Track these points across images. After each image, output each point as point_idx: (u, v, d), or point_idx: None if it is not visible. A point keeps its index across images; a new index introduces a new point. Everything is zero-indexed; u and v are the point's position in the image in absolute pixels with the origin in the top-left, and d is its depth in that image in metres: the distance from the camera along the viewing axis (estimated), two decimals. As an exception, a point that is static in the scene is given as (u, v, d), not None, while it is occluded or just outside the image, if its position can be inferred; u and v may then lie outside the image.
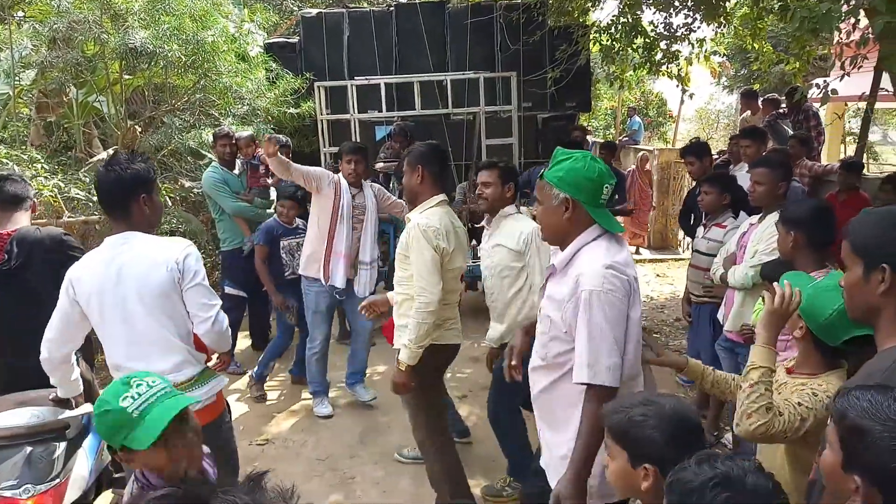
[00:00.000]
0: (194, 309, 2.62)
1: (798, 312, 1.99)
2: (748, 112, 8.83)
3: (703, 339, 4.48)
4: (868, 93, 5.92)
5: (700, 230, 4.57)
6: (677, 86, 8.94)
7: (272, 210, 5.71)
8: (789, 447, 1.98)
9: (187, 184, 7.92)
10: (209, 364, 2.83)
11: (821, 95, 4.36)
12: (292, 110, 7.60)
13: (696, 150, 5.08)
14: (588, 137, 10.06)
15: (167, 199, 6.09)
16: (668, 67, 8.56)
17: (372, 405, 5.01)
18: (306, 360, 4.98)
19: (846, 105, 11.06)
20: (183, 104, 7.61)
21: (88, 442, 2.97)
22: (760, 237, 3.67)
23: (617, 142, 11.88)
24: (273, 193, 6.00)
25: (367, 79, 6.76)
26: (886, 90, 5.74)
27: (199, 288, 2.62)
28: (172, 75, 7.35)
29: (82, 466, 2.88)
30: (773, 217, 3.66)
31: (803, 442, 1.90)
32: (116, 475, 3.37)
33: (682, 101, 9.84)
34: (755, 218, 3.85)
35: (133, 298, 2.53)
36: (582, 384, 2.12)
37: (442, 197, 3.40)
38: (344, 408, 5.06)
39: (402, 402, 3.66)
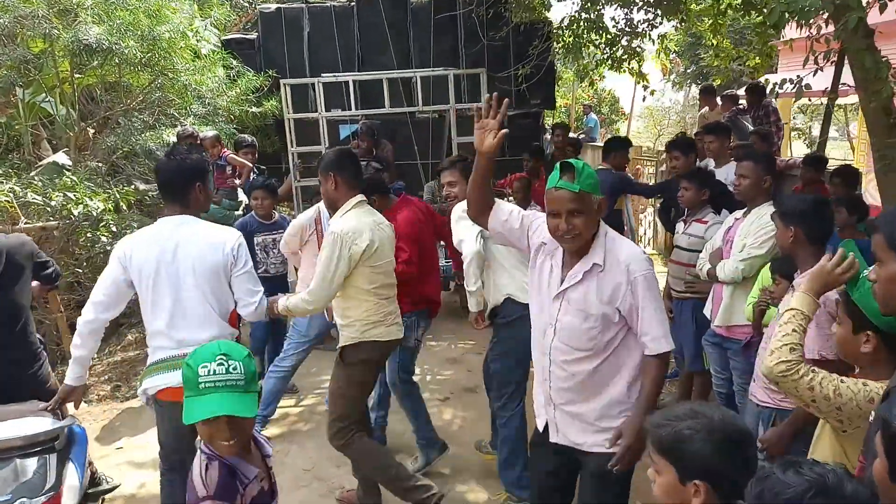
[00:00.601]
0: (241, 293, 2.98)
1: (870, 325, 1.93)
2: (706, 108, 8.95)
3: (685, 335, 4.49)
4: (830, 88, 6.05)
5: (680, 226, 4.57)
6: (639, 83, 9.00)
7: (240, 212, 5.54)
8: (838, 446, 1.94)
9: (142, 186, 7.63)
10: None
11: (794, 90, 4.41)
12: (254, 109, 7.39)
13: (683, 145, 5.07)
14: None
15: (121, 203, 5.81)
16: (629, 64, 8.63)
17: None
18: (268, 374, 4.69)
19: (793, 101, 11.36)
20: (139, 104, 7.33)
21: (75, 452, 3.02)
22: (748, 231, 3.68)
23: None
24: (241, 195, 5.83)
25: (334, 76, 6.61)
26: (847, 85, 5.85)
27: (248, 275, 2.99)
28: (127, 73, 7.07)
29: (73, 477, 2.94)
30: (759, 211, 3.70)
31: (850, 440, 1.87)
32: (90, 490, 3.53)
33: (643, 98, 9.88)
34: (740, 213, 3.86)
35: (187, 273, 2.83)
36: (657, 355, 2.40)
37: (358, 198, 3.40)
38: (324, 415, 4.92)
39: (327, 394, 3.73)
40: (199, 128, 6.45)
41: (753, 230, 3.65)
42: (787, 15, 3.88)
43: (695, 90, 26.08)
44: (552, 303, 2.49)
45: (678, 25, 8.29)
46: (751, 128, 7.53)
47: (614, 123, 21.96)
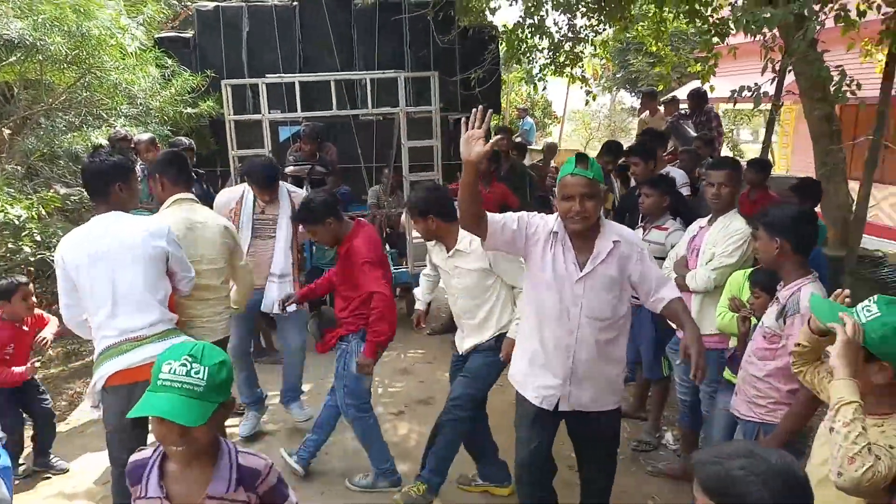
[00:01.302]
0: (180, 270, 3.18)
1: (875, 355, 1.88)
2: (647, 113, 9.04)
3: (645, 341, 4.47)
4: (773, 96, 6.19)
5: (639, 232, 4.54)
6: (581, 87, 9.06)
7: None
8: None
9: (62, 190, 7.15)
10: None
11: (753, 97, 4.47)
12: (189, 110, 7.03)
13: (642, 151, 5.03)
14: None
15: (40, 209, 5.36)
16: (572, 69, 8.68)
17: (305, 427, 4.61)
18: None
19: (717, 107, 11.70)
20: (62, 103, 6.86)
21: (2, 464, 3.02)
22: (716, 239, 3.66)
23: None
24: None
25: (280, 77, 6.33)
26: (793, 92, 6.01)
27: (182, 256, 3.20)
28: (49, 71, 6.60)
29: (2, 489, 2.93)
30: (726, 219, 3.69)
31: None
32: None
33: (586, 103, 9.97)
34: (704, 221, 3.85)
35: (124, 263, 2.92)
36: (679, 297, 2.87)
37: (178, 196, 3.53)
38: (273, 433, 4.69)
39: None
40: (130, 130, 6.07)
41: (722, 238, 3.63)
42: (749, 24, 3.93)
43: (623, 94, 26.77)
44: (575, 284, 2.72)
45: (620, 32, 8.36)
46: (692, 133, 7.65)
47: (547, 127, 22.19)
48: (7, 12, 5.67)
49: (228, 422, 4.45)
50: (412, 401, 5.22)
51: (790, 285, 2.64)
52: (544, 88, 8.84)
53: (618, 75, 21.87)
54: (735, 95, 4.53)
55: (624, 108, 28.60)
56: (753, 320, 3.15)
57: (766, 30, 4.55)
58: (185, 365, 1.73)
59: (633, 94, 24.86)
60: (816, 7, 4.00)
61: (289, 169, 6.58)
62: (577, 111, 28.81)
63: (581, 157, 2.67)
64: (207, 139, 7.62)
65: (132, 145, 5.42)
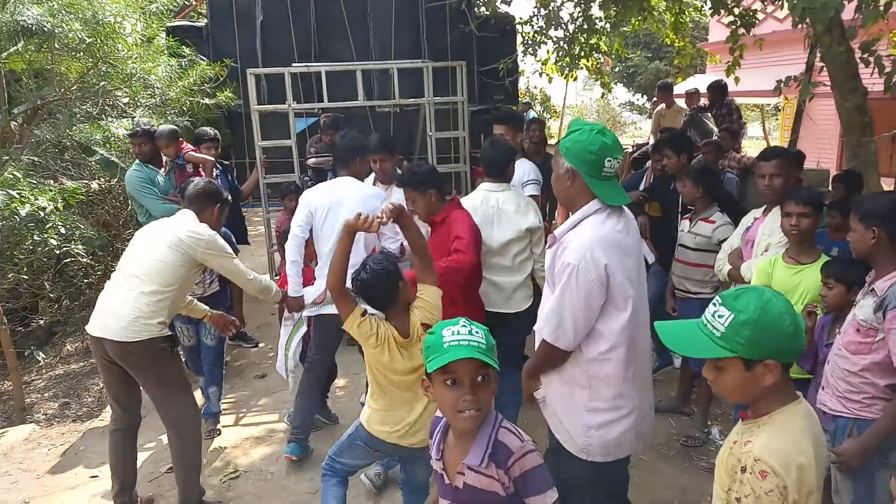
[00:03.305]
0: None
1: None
2: (663, 105, 8.96)
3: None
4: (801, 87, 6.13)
5: (685, 224, 4.48)
6: (595, 79, 8.98)
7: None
8: None
9: (68, 183, 6.98)
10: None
11: (799, 87, 4.42)
12: (207, 100, 6.88)
13: (675, 143, 4.94)
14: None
15: (49, 204, 5.14)
16: (587, 61, 8.61)
17: (340, 425, 4.51)
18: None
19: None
20: (74, 92, 6.68)
21: None
22: (771, 230, 3.60)
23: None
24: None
25: (306, 65, 6.20)
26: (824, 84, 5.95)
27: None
28: (61, 60, 6.43)
29: None
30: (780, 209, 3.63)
31: None
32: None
33: (602, 95, 9.88)
34: (759, 212, 3.80)
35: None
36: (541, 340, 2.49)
37: None
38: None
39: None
40: (153, 121, 5.91)
41: (776, 229, 3.57)
42: (805, 10, 3.88)
43: (618, 89, 26.76)
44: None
45: (638, 24, 8.28)
46: (712, 126, 7.60)
47: (547, 121, 22.11)
48: (22, -1, 5.50)
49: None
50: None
51: (887, 276, 2.56)
52: (550, 80, 8.73)
53: (616, 69, 21.85)
54: (782, 84, 4.47)
55: (621, 104, 28.64)
56: (819, 313, 3.09)
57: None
58: (465, 326, 1.80)
59: (630, 89, 24.90)
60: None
61: (311, 161, 6.47)
62: (573, 105, 28.84)
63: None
64: (223, 130, 7.47)
65: (152, 138, 5.26)
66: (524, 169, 4.72)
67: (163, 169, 5.37)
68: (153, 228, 3.50)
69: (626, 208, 2.53)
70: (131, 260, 3.40)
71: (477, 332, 1.80)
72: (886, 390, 2.53)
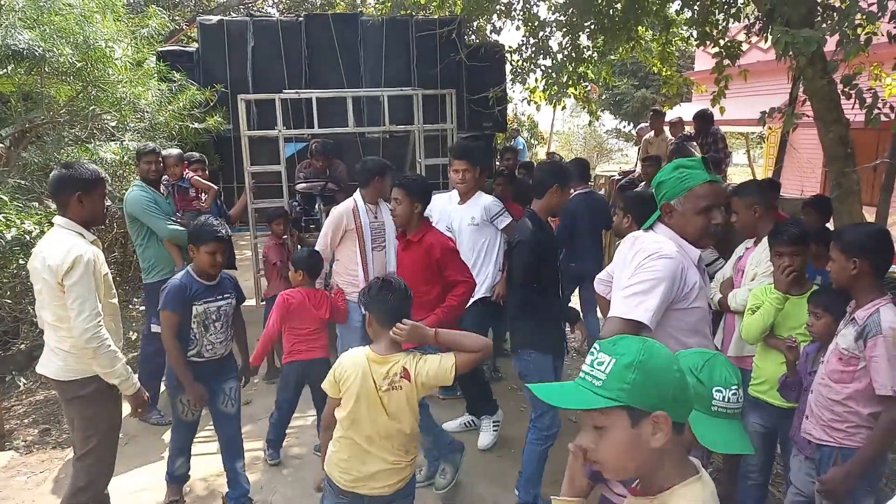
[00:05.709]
0: None
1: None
2: (651, 133, 9.06)
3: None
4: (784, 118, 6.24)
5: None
6: (583, 108, 9.08)
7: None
8: None
9: (53, 206, 6.94)
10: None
11: (782, 118, 4.50)
12: (196, 125, 6.89)
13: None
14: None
15: (35, 227, 5.09)
16: (575, 89, 8.70)
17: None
18: None
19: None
20: (62, 116, 6.68)
21: None
22: (759, 259, 3.66)
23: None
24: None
25: (297, 92, 6.24)
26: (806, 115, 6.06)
27: None
28: (51, 83, 6.43)
29: None
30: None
31: None
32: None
33: (589, 123, 9.99)
34: (750, 242, 3.85)
35: None
36: None
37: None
38: (300, 457, 4.54)
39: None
40: (158, 146, 5.93)
41: (764, 259, 3.62)
42: (788, 45, 3.97)
43: (605, 117, 27.08)
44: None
45: (626, 53, 8.40)
46: (697, 154, 7.68)
47: (534, 147, 22.35)
48: (14, 22, 5.52)
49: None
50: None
51: (867, 306, 2.60)
52: (538, 108, 8.84)
53: (603, 97, 22.11)
54: (766, 116, 4.55)
55: (607, 131, 28.94)
56: (802, 346, 3.12)
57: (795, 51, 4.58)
58: (735, 394, 1.82)
59: (617, 116, 25.18)
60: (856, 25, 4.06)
61: (300, 186, 6.47)
62: (560, 132, 29.17)
63: (708, 163, 2.48)
64: (211, 155, 7.48)
65: (159, 159, 5.27)
66: (485, 205, 4.73)
67: (162, 191, 5.37)
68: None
69: None
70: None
71: (739, 398, 1.84)
72: (870, 419, 2.55)
